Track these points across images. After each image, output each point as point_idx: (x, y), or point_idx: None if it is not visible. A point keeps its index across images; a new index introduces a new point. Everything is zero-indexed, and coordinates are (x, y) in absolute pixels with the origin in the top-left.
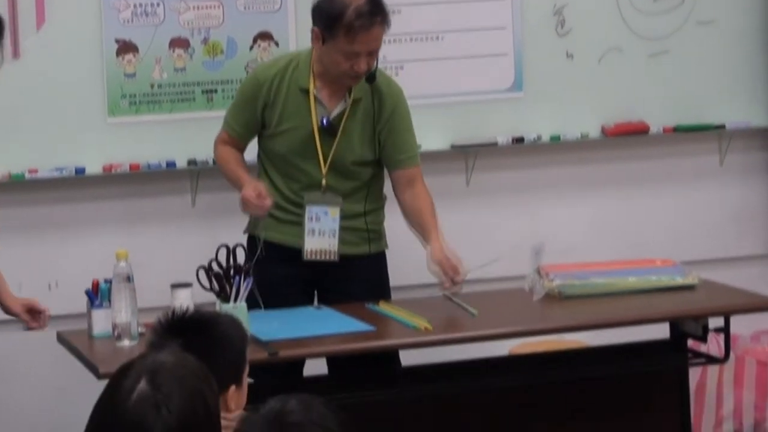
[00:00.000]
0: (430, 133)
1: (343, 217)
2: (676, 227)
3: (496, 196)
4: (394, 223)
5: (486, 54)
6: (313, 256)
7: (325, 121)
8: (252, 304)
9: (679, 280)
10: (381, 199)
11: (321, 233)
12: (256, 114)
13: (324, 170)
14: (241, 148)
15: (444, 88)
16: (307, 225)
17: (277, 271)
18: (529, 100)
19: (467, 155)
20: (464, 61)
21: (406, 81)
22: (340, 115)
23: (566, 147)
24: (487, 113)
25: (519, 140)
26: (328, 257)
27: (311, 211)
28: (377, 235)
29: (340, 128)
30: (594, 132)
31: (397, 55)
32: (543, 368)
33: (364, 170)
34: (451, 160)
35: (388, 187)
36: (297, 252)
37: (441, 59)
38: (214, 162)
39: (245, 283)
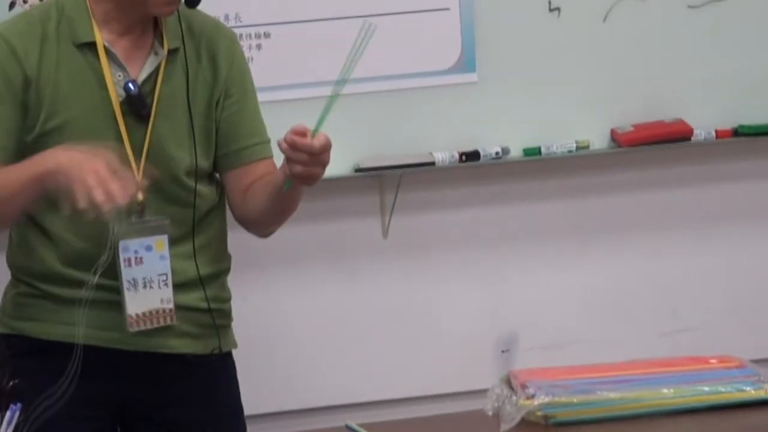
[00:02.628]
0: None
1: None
2: (739, 299)
3: (432, 253)
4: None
5: (412, 9)
6: (143, 325)
7: (131, 87)
8: None
9: (751, 392)
10: (227, 254)
11: (147, 283)
12: (16, 104)
13: (137, 175)
14: None
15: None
16: (124, 274)
17: (66, 394)
18: (487, 87)
19: (383, 184)
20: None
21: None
22: (152, 76)
23: (550, 167)
24: (417, 110)
25: (471, 156)
26: (164, 321)
27: (126, 249)
28: (224, 319)
29: (155, 98)
30: (598, 140)
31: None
32: None
33: (203, 188)
34: (358, 191)
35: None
36: (99, 354)
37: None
38: None
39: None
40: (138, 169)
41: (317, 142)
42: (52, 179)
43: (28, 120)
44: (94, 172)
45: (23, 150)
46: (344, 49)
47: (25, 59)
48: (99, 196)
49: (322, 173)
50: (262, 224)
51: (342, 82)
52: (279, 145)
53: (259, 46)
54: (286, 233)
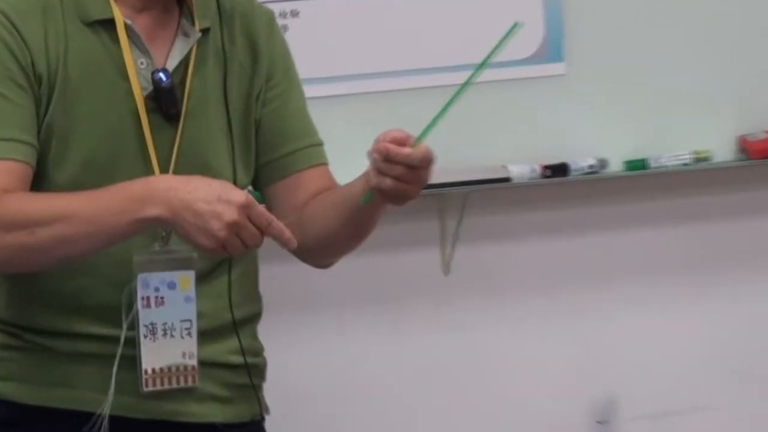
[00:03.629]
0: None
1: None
2: None
3: (506, 295)
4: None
5: None
6: (159, 384)
7: (163, 78)
8: None
9: None
10: (258, 293)
11: (168, 330)
12: (31, 93)
13: None
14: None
15: (398, 62)
16: (142, 317)
17: None
18: (578, 81)
19: (443, 206)
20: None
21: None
22: (182, 64)
23: (659, 183)
24: (487, 110)
25: (558, 170)
26: (184, 381)
27: (145, 285)
28: (259, 378)
29: (186, 93)
30: (721, 150)
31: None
32: None
33: None
34: (411, 215)
35: None
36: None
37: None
38: None
39: None
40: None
41: (418, 153)
42: (157, 224)
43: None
44: (227, 224)
45: None
46: (394, 33)
47: (30, 40)
48: (237, 248)
49: (418, 193)
50: (326, 251)
51: (465, 85)
52: (370, 154)
53: (285, 28)
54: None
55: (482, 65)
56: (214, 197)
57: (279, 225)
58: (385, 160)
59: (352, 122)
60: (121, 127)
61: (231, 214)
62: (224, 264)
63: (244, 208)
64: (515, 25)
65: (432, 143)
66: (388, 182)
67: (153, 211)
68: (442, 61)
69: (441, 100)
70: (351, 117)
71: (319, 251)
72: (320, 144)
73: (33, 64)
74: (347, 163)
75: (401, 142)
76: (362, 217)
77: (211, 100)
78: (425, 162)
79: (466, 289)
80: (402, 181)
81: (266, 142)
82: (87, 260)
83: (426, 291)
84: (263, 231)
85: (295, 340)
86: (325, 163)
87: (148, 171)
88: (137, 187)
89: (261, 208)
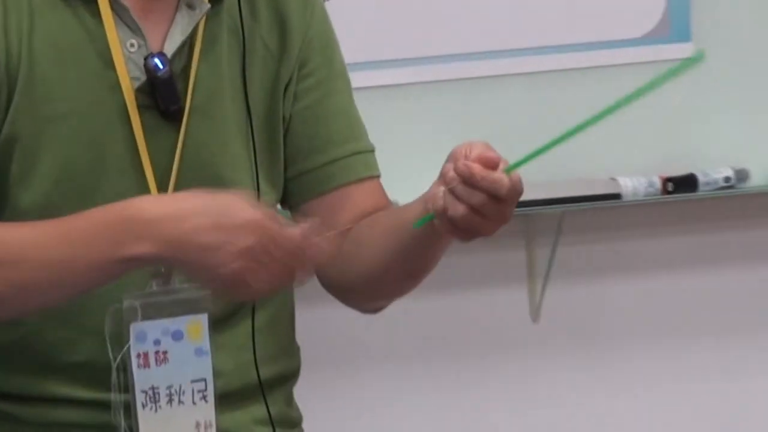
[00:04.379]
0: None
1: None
2: None
3: (614, 346)
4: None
5: None
6: None
7: (158, 65)
8: None
9: None
10: (296, 344)
11: (175, 395)
12: None
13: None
14: None
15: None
16: (137, 380)
17: None
18: (710, 66)
19: (531, 230)
20: None
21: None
22: (185, 46)
23: None
24: (591, 109)
25: (682, 183)
26: None
27: (141, 339)
28: None
29: (191, 83)
30: None
31: None
32: None
33: None
34: (491, 243)
35: None
36: None
37: None
38: None
39: None
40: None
41: (508, 182)
42: (155, 262)
43: None
44: (240, 252)
45: None
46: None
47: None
48: (260, 286)
49: (494, 231)
50: (374, 292)
51: (611, 109)
52: (446, 173)
53: None
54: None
55: (632, 97)
56: (214, 217)
57: (321, 247)
58: (465, 182)
59: (402, 117)
60: (104, 131)
61: (244, 238)
62: (247, 306)
63: (261, 229)
64: (697, 56)
65: (517, 147)
66: (460, 210)
67: (137, 248)
68: (519, 43)
69: (521, 89)
70: (401, 110)
71: (366, 292)
72: (370, 150)
73: None
74: (391, 167)
75: (491, 164)
76: (419, 250)
77: (225, 92)
78: (513, 194)
79: (560, 339)
80: (478, 212)
81: (298, 147)
82: (64, 307)
83: (508, 343)
84: (295, 259)
85: (337, 406)
86: (376, 176)
87: (141, 187)
88: (113, 214)
89: (287, 227)
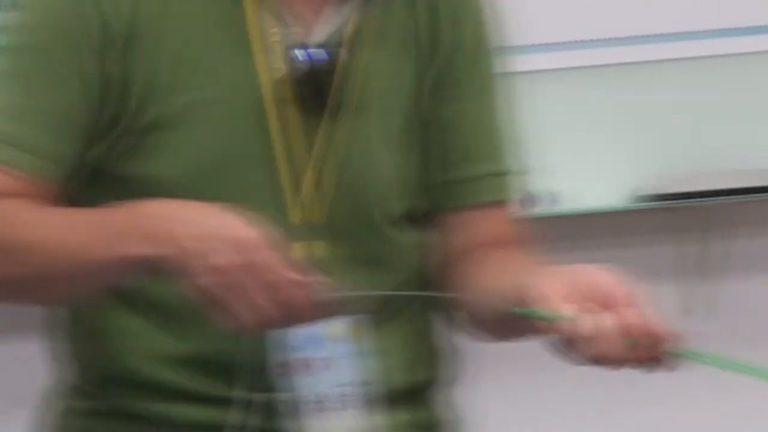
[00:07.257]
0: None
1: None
2: None
3: None
4: None
5: None
6: None
7: (309, 56)
8: None
9: None
10: (452, 340)
11: (334, 400)
12: (87, 79)
13: (299, 207)
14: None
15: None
16: (303, 384)
17: None
18: None
19: (692, 225)
20: None
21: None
22: (336, 36)
23: None
24: (743, 93)
25: None
26: None
27: (301, 341)
28: None
29: (345, 79)
30: None
31: None
32: None
33: (415, 238)
34: (642, 241)
35: None
36: None
37: None
38: None
39: None
40: (305, 208)
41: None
42: (164, 266)
43: (107, 108)
44: (211, 267)
45: (85, 167)
46: None
47: (108, 8)
48: (271, 314)
49: (627, 367)
50: (477, 330)
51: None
52: (625, 322)
53: None
54: None
55: None
56: (211, 229)
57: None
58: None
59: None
60: (244, 124)
61: (229, 255)
62: (397, 304)
63: (254, 252)
64: None
65: (666, 138)
66: (601, 348)
67: (137, 248)
68: (647, 27)
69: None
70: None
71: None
72: (508, 173)
73: (105, 28)
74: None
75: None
76: (516, 324)
77: (390, 90)
78: (668, 338)
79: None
80: (627, 357)
81: (430, 157)
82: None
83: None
84: (284, 295)
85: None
86: (505, 201)
87: (274, 187)
88: (121, 212)
89: (286, 261)
